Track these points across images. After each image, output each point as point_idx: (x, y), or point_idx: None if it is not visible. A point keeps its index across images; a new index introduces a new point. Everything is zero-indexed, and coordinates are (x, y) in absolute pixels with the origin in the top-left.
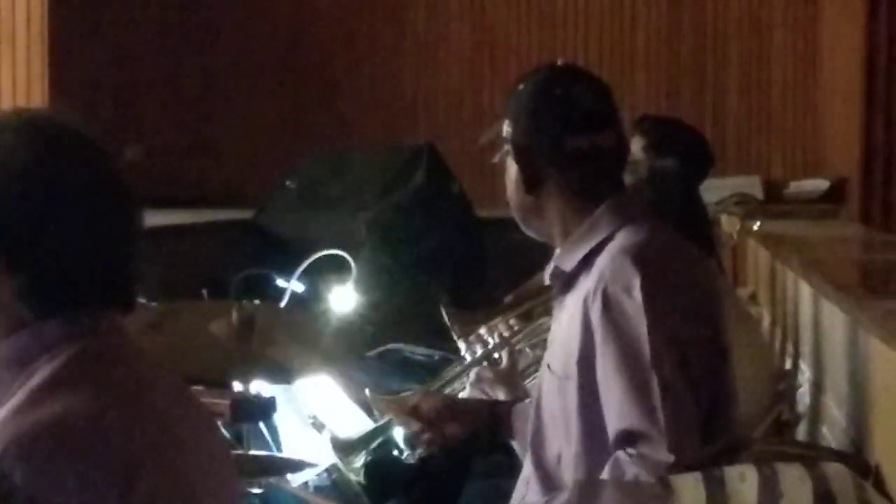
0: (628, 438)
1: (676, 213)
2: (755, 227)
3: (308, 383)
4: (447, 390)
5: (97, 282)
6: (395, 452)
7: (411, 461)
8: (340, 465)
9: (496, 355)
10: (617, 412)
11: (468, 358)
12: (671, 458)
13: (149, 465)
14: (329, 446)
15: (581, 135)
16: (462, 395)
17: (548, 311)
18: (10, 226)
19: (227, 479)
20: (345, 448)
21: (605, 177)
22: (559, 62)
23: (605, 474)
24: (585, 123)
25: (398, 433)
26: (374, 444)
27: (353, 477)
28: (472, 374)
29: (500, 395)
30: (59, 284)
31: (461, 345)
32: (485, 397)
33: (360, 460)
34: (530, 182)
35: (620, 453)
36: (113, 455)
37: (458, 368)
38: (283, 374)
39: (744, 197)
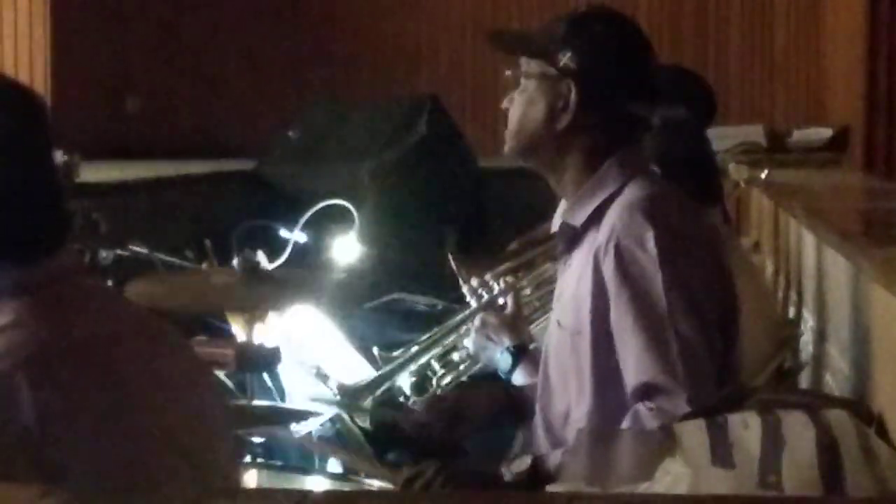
0: (647, 392)
1: (683, 162)
2: (763, 176)
3: (311, 333)
4: (452, 336)
5: (29, 233)
6: (402, 399)
7: (418, 407)
8: (344, 412)
9: (500, 301)
10: (635, 366)
11: (473, 304)
12: (692, 409)
13: (68, 412)
14: (335, 392)
15: (641, 104)
16: (467, 341)
17: (551, 258)
18: None
19: (213, 426)
20: (352, 393)
21: (630, 142)
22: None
23: (625, 425)
24: (650, 93)
25: (404, 379)
26: (381, 390)
27: (358, 423)
28: (477, 320)
29: (505, 339)
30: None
31: (466, 290)
32: (489, 344)
33: (366, 405)
34: (578, 120)
35: (640, 406)
36: (28, 398)
37: (463, 315)
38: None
39: (751, 145)
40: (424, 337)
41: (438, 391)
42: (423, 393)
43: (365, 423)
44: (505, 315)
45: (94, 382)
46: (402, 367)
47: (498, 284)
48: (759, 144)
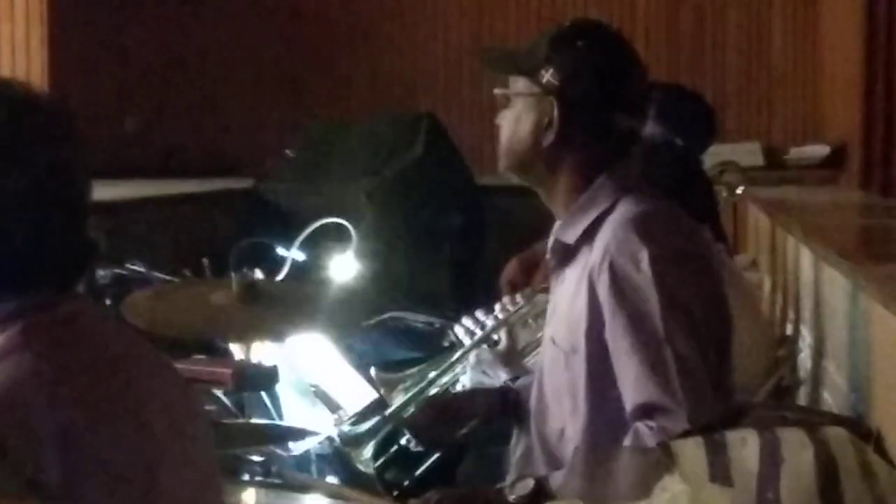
0: (647, 411)
1: (678, 183)
2: (738, 192)
3: (309, 351)
4: (449, 375)
5: (44, 263)
6: (403, 441)
7: (419, 448)
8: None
9: (494, 336)
10: (633, 386)
11: (466, 342)
12: (690, 427)
13: (89, 434)
14: (335, 416)
15: (629, 116)
16: (463, 378)
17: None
18: None
19: (201, 449)
20: (353, 441)
21: (620, 157)
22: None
23: (625, 444)
24: (635, 107)
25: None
26: (382, 435)
27: (363, 468)
28: (472, 357)
29: (502, 374)
30: (3, 266)
31: (458, 330)
32: (486, 379)
33: (368, 451)
34: (561, 136)
35: (640, 425)
36: (49, 421)
37: (459, 352)
38: (282, 333)
39: (726, 166)
40: (419, 370)
41: None
42: None
43: (368, 468)
44: (499, 350)
45: (111, 400)
46: (401, 408)
47: (488, 320)
48: (735, 163)
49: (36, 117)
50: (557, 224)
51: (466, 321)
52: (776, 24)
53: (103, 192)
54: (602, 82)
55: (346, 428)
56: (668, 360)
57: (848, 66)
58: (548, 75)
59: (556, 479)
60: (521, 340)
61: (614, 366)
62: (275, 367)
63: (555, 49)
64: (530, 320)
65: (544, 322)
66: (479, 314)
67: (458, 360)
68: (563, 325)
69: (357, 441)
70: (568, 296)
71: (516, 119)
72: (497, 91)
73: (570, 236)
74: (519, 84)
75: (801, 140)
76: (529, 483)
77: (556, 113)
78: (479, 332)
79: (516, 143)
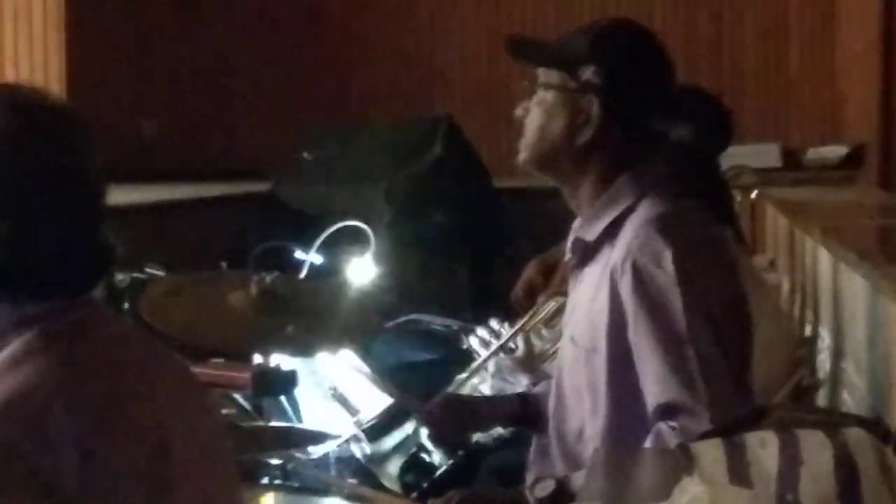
0: (669, 411)
1: (697, 184)
2: (752, 195)
3: (328, 356)
4: (468, 384)
5: (61, 268)
6: (425, 456)
7: (443, 464)
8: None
9: (511, 344)
10: (655, 385)
11: (483, 353)
12: (711, 427)
13: (105, 448)
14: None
15: (663, 120)
16: (483, 386)
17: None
18: None
19: (218, 458)
20: (380, 458)
21: (647, 157)
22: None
23: (647, 445)
24: (670, 112)
25: (426, 436)
26: (408, 451)
27: (388, 484)
28: (492, 365)
29: (523, 380)
30: (19, 272)
31: (473, 340)
32: (508, 386)
33: (395, 468)
34: (600, 135)
35: (662, 425)
36: (67, 425)
37: (478, 362)
38: (302, 347)
39: (739, 169)
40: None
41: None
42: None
43: (393, 484)
44: (518, 357)
45: (128, 406)
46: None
47: (504, 329)
48: (746, 167)
49: (51, 123)
50: (577, 222)
51: (481, 331)
52: (793, 27)
53: (121, 196)
54: (644, 83)
55: (368, 448)
56: (691, 360)
57: (865, 68)
58: (588, 72)
59: (577, 480)
60: (536, 347)
61: (636, 365)
62: (294, 371)
63: (597, 46)
64: (542, 328)
65: (554, 329)
66: (494, 323)
67: (478, 368)
68: (583, 323)
69: (383, 458)
70: (588, 294)
71: (547, 113)
72: (526, 83)
73: (591, 234)
74: (552, 77)
75: (819, 141)
76: (550, 484)
77: (595, 111)
78: (494, 342)
79: (546, 137)
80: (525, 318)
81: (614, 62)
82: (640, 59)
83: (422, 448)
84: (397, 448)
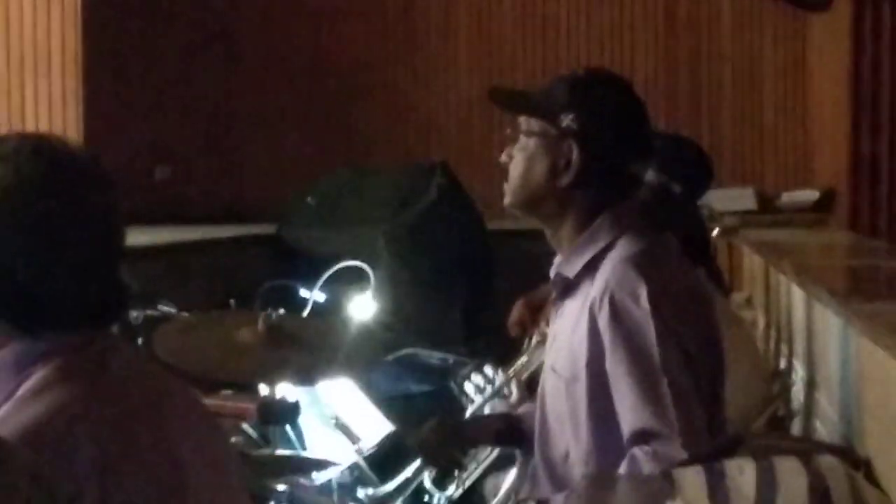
0: (643, 437)
1: (675, 225)
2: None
3: (330, 386)
4: None
5: (82, 303)
6: (426, 499)
7: (437, 494)
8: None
9: (504, 391)
10: (631, 413)
11: (478, 400)
12: (685, 455)
13: (125, 470)
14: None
15: (639, 163)
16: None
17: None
18: None
19: (229, 482)
20: (381, 499)
21: (625, 198)
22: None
23: (621, 470)
24: (645, 156)
25: (427, 478)
26: (407, 492)
27: None
28: (487, 408)
29: None
30: (41, 307)
31: (468, 387)
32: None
33: (392, 496)
34: (578, 178)
35: (636, 450)
36: (88, 449)
37: (475, 406)
38: (307, 377)
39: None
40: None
41: (463, 484)
42: (444, 486)
43: None
44: (512, 403)
45: (145, 435)
46: (425, 466)
47: (496, 375)
48: (714, 209)
49: (73, 168)
50: (558, 259)
51: (476, 378)
52: (767, 80)
53: (135, 237)
54: (620, 129)
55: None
56: (664, 390)
57: (835, 118)
58: (568, 119)
59: (557, 502)
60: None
61: (613, 394)
62: (297, 402)
63: (575, 95)
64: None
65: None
66: (488, 370)
67: (475, 411)
68: (563, 354)
69: (384, 499)
70: (568, 326)
71: (530, 158)
72: (509, 131)
73: (572, 271)
74: (534, 125)
75: (792, 186)
76: None
77: (575, 156)
78: (488, 389)
79: (530, 181)
80: (515, 366)
81: (592, 109)
82: (616, 106)
83: (414, 479)
84: (399, 490)
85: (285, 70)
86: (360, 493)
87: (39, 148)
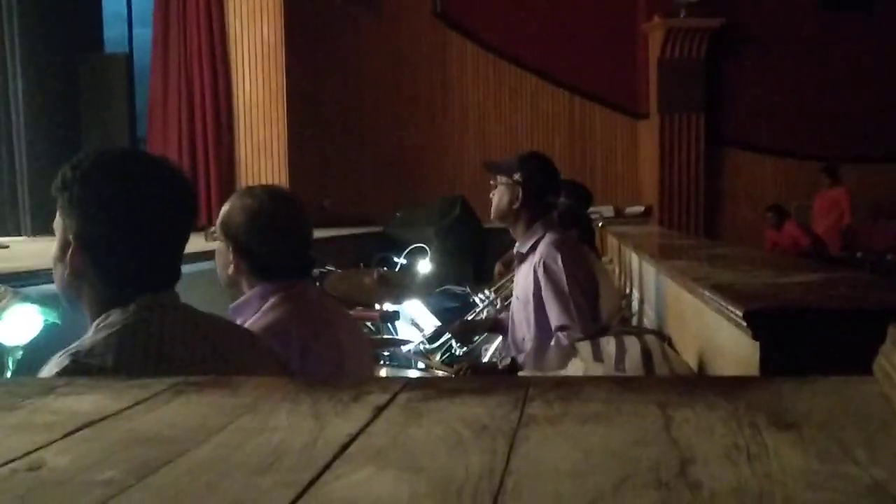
0: (561, 328)
1: (575, 226)
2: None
3: (410, 304)
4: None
5: (288, 263)
6: (452, 351)
7: (459, 353)
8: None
9: (492, 304)
10: (554, 317)
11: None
12: (581, 335)
13: (314, 346)
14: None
15: (553, 195)
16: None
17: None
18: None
19: (365, 353)
20: (430, 352)
21: (547, 213)
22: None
23: (552, 344)
24: (557, 191)
25: (454, 344)
26: (443, 349)
27: (435, 367)
28: (484, 313)
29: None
30: (273, 266)
31: (477, 298)
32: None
33: (438, 358)
34: (523, 204)
35: (559, 334)
36: (296, 337)
37: (478, 309)
38: (399, 299)
39: (598, 215)
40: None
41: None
42: (463, 346)
43: (438, 366)
44: (497, 310)
45: (324, 331)
46: (453, 339)
47: (491, 295)
48: (602, 215)
49: (289, 203)
50: (518, 244)
51: (480, 295)
52: (619, 151)
53: (316, 234)
54: (544, 180)
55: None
56: (570, 304)
57: (652, 169)
58: (517, 175)
59: (521, 359)
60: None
61: (546, 308)
62: (397, 311)
63: (522, 163)
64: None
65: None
66: (487, 291)
67: (478, 314)
68: (521, 290)
69: (432, 352)
70: (523, 276)
71: (500, 196)
72: (493, 182)
73: (524, 249)
74: (502, 178)
75: (631, 203)
76: (508, 360)
77: (520, 195)
78: (485, 300)
79: (501, 207)
80: (496, 288)
81: (530, 170)
82: (542, 169)
83: (450, 347)
84: (439, 347)
85: (373, 138)
86: (421, 348)
87: (272, 192)
